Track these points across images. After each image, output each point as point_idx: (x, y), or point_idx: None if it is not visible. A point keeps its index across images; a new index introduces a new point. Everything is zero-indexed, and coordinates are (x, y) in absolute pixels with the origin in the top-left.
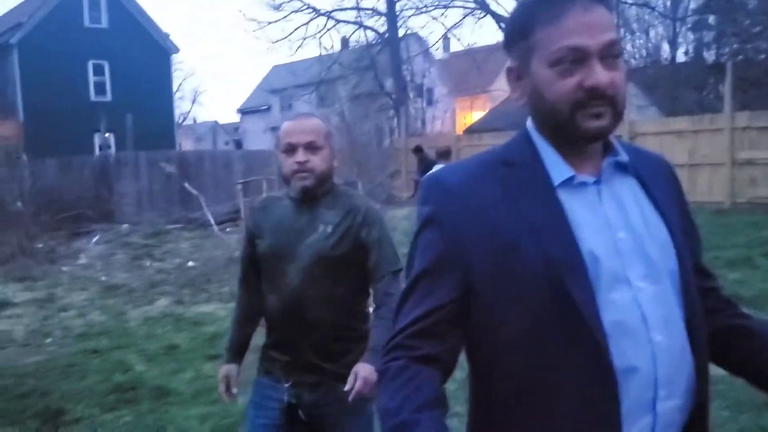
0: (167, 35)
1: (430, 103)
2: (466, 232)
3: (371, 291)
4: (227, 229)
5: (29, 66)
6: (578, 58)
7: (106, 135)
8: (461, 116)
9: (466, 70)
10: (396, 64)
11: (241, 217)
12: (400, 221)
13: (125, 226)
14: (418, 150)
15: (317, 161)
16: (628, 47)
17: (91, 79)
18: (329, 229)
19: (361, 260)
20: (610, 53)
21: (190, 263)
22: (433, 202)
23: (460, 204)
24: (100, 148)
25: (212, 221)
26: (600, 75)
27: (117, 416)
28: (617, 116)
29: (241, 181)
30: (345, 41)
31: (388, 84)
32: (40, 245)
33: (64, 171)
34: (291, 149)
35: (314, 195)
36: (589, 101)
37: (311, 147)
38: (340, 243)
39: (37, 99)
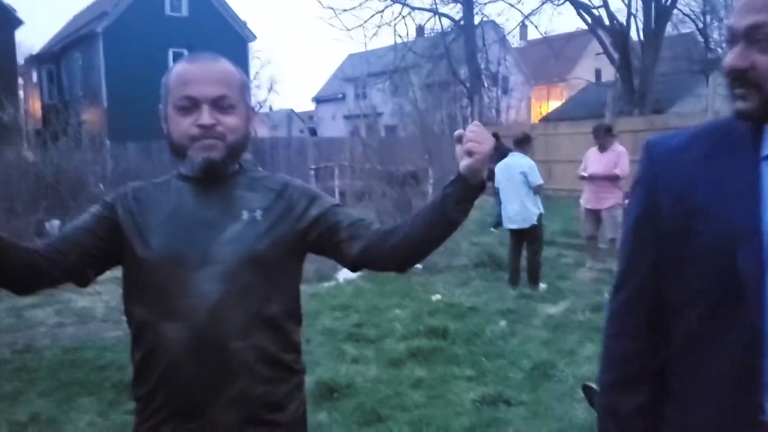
0: (245, 23)
1: (505, 92)
2: (664, 195)
3: (361, 249)
4: None
5: (113, 53)
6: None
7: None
8: (536, 105)
9: (543, 59)
10: (471, 51)
11: None
12: (474, 210)
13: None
14: (494, 137)
15: (231, 124)
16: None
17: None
18: (258, 215)
19: (299, 259)
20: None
21: None
22: (641, 165)
23: (664, 167)
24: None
25: None
26: None
27: None
28: None
29: (313, 166)
30: (420, 29)
31: (462, 72)
32: None
33: (143, 155)
34: (189, 106)
35: (223, 173)
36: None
37: (222, 104)
38: (275, 235)
39: (119, 86)
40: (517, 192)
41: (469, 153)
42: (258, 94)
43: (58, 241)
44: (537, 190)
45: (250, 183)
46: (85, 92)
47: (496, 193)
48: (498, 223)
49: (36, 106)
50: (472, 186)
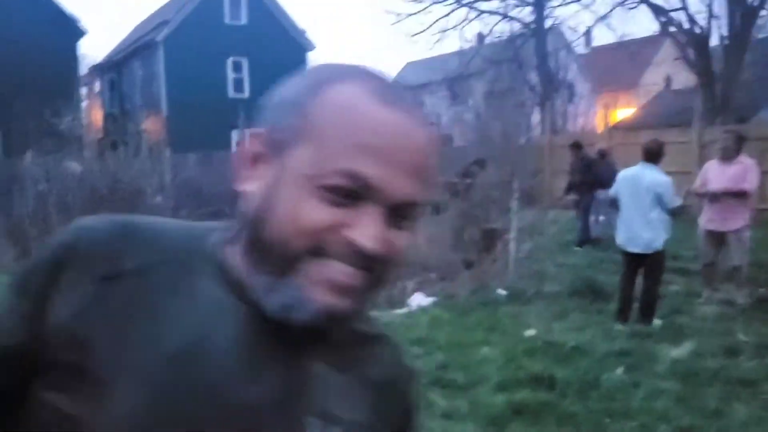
0: (304, 31)
1: (570, 99)
2: None
3: None
4: None
5: (173, 62)
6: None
7: (244, 131)
8: (603, 113)
9: (610, 66)
10: (541, 56)
11: None
12: (548, 225)
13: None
14: (576, 146)
15: (399, 249)
16: None
17: (230, 75)
18: None
19: None
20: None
21: None
22: None
23: None
24: (239, 144)
25: None
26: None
27: None
28: None
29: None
30: (481, 36)
31: (529, 79)
32: None
33: (203, 166)
34: (350, 192)
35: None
36: None
37: (404, 214)
38: None
39: (179, 94)
40: (643, 210)
41: None
42: None
43: None
44: (676, 212)
45: (344, 350)
46: (145, 101)
47: (576, 206)
48: (582, 242)
49: (98, 115)
50: None
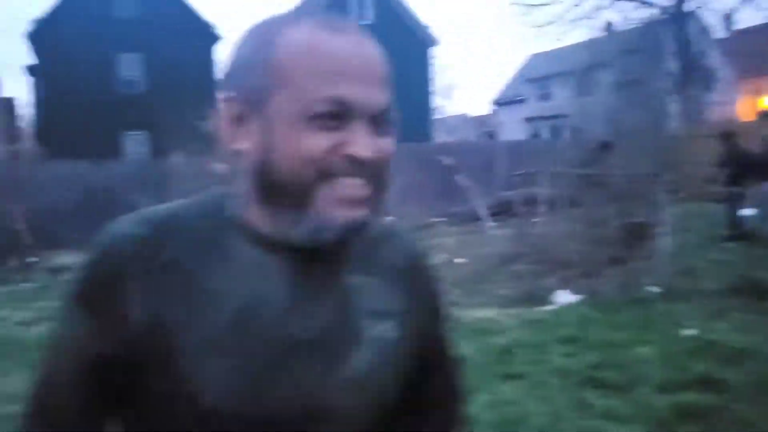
0: (427, 27)
1: (708, 87)
2: None
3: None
4: (495, 224)
5: None
6: None
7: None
8: (746, 101)
9: (756, 50)
10: (682, 42)
11: (512, 210)
12: (693, 219)
13: (390, 218)
14: (728, 136)
15: (388, 153)
16: None
17: None
18: (390, 329)
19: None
20: None
21: (458, 260)
22: None
23: None
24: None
25: (485, 215)
26: None
27: None
28: None
29: (519, 172)
30: (609, 25)
31: (666, 67)
32: None
33: None
34: (335, 116)
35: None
36: None
37: (380, 121)
38: (408, 365)
39: None
40: None
41: None
42: (434, 100)
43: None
44: None
45: (365, 256)
46: None
47: (731, 198)
48: (734, 236)
49: None
50: None
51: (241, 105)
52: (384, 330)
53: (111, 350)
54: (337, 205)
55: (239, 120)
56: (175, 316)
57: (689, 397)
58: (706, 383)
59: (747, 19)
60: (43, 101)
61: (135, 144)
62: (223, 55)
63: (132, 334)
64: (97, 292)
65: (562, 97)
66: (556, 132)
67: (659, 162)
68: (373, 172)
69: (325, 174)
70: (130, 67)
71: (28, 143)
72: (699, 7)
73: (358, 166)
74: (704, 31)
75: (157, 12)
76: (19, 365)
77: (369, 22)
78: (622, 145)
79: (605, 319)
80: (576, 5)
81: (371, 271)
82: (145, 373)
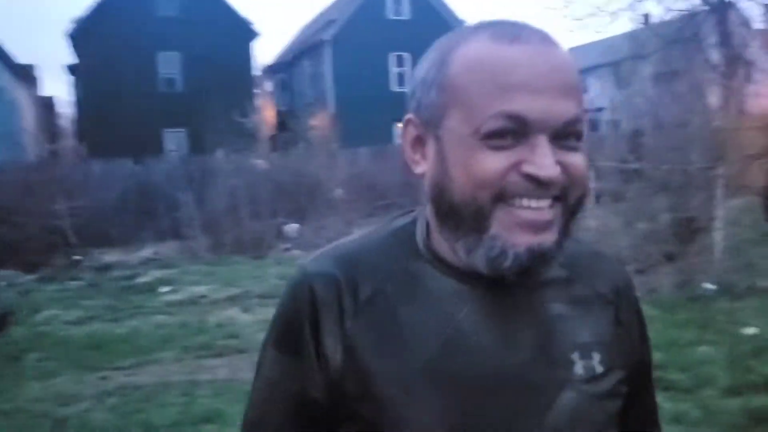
0: (464, 22)
1: (749, 78)
2: None
3: None
4: None
5: (340, 60)
6: None
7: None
8: None
9: None
10: (723, 33)
11: None
12: (743, 215)
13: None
14: None
15: (579, 170)
16: None
17: (394, 70)
18: (596, 361)
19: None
20: None
21: None
22: None
23: None
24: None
25: None
26: None
27: None
28: None
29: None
30: (647, 17)
31: (708, 58)
32: (356, 231)
33: (375, 159)
34: (510, 132)
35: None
36: None
37: (568, 134)
38: (618, 396)
39: (345, 91)
40: None
41: None
42: None
43: None
44: None
45: (566, 282)
46: (314, 99)
47: None
48: None
49: (270, 113)
50: None
51: (419, 126)
52: (591, 365)
53: (315, 393)
54: (518, 230)
55: (419, 142)
56: (376, 355)
57: (760, 400)
58: None
59: None
60: (83, 100)
61: (175, 141)
62: (260, 51)
63: (334, 375)
64: (295, 335)
65: (600, 90)
66: (594, 125)
67: (710, 154)
68: (561, 192)
69: (503, 196)
70: (169, 66)
71: (68, 142)
72: None
73: (539, 186)
74: (745, 22)
75: (197, 10)
76: (69, 365)
77: (406, 18)
78: (667, 137)
79: (664, 317)
80: None
81: (573, 298)
82: (349, 415)
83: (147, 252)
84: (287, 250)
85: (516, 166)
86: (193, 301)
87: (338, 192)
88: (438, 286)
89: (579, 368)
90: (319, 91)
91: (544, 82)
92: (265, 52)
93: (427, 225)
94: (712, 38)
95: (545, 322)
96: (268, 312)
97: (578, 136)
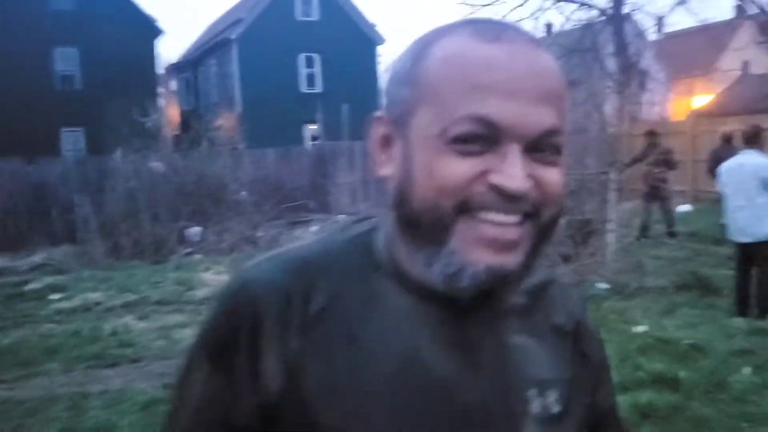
0: (374, 25)
1: (643, 87)
2: None
3: None
4: None
5: (247, 60)
6: None
7: (315, 126)
8: (680, 100)
9: (685, 52)
10: (620, 43)
11: None
12: (631, 217)
13: (342, 216)
14: (651, 134)
15: (554, 186)
16: None
17: (303, 71)
18: (552, 400)
19: None
20: None
21: None
22: None
23: None
24: (313, 139)
25: None
26: None
27: None
28: None
29: None
30: (549, 26)
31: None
32: (261, 234)
33: (282, 161)
34: (479, 138)
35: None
36: None
37: (544, 146)
38: None
39: (253, 91)
40: (750, 198)
41: None
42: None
43: None
44: None
45: (526, 311)
46: (220, 98)
47: (658, 195)
48: (672, 232)
49: (174, 113)
50: None
51: (389, 124)
52: (547, 404)
53: (245, 419)
54: (479, 246)
55: (387, 141)
56: (323, 380)
57: (648, 396)
58: (661, 382)
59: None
60: None
61: (72, 141)
62: (164, 49)
63: (271, 400)
64: (228, 351)
65: None
66: None
67: (604, 160)
68: (532, 209)
69: (466, 207)
70: (67, 62)
71: None
72: (634, 10)
73: (507, 200)
74: (640, 33)
75: (96, 5)
76: None
77: (315, 19)
78: (565, 143)
79: None
80: (520, 5)
81: (533, 330)
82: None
83: (38, 257)
84: (189, 254)
85: (483, 175)
86: (86, 309)
87: (243, 194)
88: (397, 304)
89: (536, 406)
90: (225, 91)
91: (522, 85)
92: (169, 50)
93: (389, 233)
94: (609, 48)
95: (506, 354)
96: (166, 319)
97: (557, 150)
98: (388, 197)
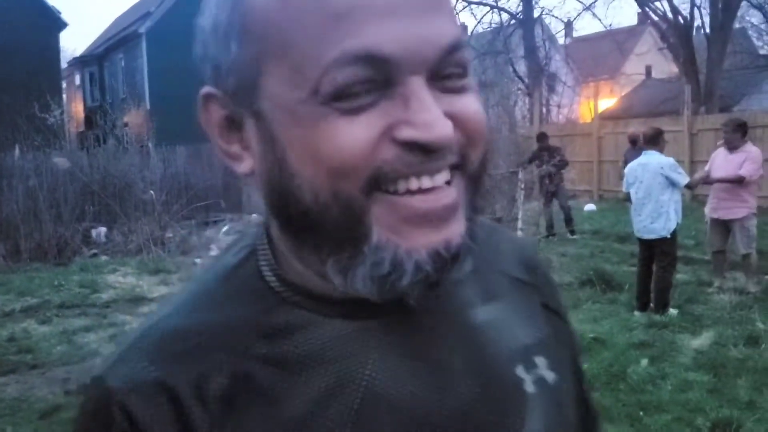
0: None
1: (552, 89)
2: None
3: None
4: None
5: (156, 54)
6: None
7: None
8: (588, 103)
9: (592, 56)
10: (530, 47)
11: None
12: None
13: (254, 215)
14: (541, 137)
15: (474, 119)
16: None
17: None
18: (545, 369)
19: None
20: None
21: None
22: None
23: None
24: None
25: None
26: None
27: None
28: None
29: None
30: (464, 28)
31: (516, 70)
32: (170, 235)
33: (193, 159)
34: (367, 82)
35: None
36: None
37: (449, 70)
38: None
39: (162, 87)
40: (655, 196)
41: None
42: None
43: None
44: (692, 185)
45: (477, 274)
46: (128, 94)
47: (554, 195)
48: (572, 229)
49: (78, 108)
50: None
51: (226, 101)
52: (542, 374)
53: None
54: (410, 227)
55: (232, 125)
56: None
57: None
58: None
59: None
60: None
61: None
62: (68, 42)
63: None
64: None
65: None
66: None
67: (513, 160)
68: (458, 157)
69: (377, 182)
70: None
71: None
72: (544, 14)
73: (428, 156)
74: (550, 37)
75: None
76: None
77: None
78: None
79: None
80: None
81: (492, 293)
82: None
83: None
84: (94, 255)
85: (387, 132)
86: None
87: (151, 193)
88: (323, 337)
89: (529, 386)
90: (133, 86)
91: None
92: (74, 43)
93: (275, 250)
94: (520, 51)
95: (472, 339)
96: (69, 323)
97: (464, 70)
98: (261, 201)
